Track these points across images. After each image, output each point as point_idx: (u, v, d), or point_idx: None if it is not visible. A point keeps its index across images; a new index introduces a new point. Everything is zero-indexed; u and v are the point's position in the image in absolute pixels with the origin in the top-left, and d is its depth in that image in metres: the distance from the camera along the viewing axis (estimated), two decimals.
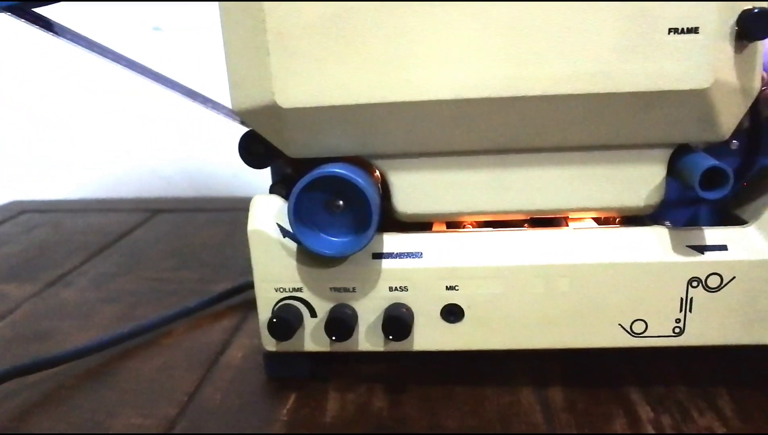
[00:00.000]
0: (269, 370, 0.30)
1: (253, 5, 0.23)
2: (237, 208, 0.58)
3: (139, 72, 0.31)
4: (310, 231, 0.25)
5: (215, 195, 0.68)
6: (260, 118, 0.25)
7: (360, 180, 0.24)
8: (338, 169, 0.24)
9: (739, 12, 0.22)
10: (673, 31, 0.22)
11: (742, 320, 0.26)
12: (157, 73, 0.32)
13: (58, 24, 0.30)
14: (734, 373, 0.29)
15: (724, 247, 0.25)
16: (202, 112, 0.36)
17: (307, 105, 0.24)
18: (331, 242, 0.25)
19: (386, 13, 0.22)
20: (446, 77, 0.23)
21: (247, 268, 0.28)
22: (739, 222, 0.27)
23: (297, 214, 0.25)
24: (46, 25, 0.29)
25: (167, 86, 0.32)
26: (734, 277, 0.25)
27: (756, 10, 0.21)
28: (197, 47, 0.62)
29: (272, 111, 0.24)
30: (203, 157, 0.68)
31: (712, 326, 0.26)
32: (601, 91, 0.23)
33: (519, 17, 0.22)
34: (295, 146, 0.25)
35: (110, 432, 0.27)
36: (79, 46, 0.30)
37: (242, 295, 0.39)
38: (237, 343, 0.34)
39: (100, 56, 0.30)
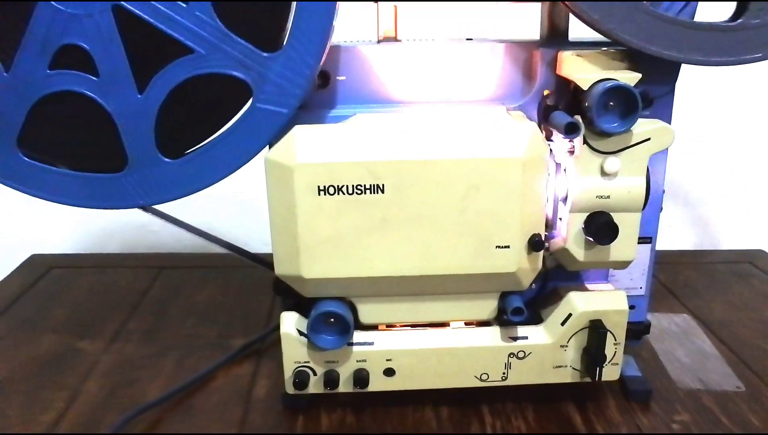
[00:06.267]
0: (285, 402, 0.53)
1: (290, 228, 0.45)
2: (221, 266, 0.80)
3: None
4: (317, 335, 0.48)
5: (195, 246, 0.88)
6: (291, 278, 0.47)
7: (345, 313, 0.47)
8: (334, 308, 0.47)
9: (528, 237, 0.46)
10: (498, 247, 0.46)
11: (535, 372, 0.51)
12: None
13: None
14: (533, 397, 0.54)
15: (526, 337, 0.50)
16: None
17: (318, 277, 0.46)
18: (328, 340, 0.48)
19: (359, 238, 0.45)
20: (389, 265, 0.46)
21: (248, 325, 0.53)
22: (540, 318, 0.52)
23: (311, 328, 0.48)
24: None
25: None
26: (531, 352, 0.50)
27: (537, 239, 0.46)
28: None
29: (299, 278, 0.46)
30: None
31: (521, 375, 0.51)
32: (466, 272, 0.46)
33: (425, 240, 0.45)
34: (308, 292, 0.48)
35: None
36: None
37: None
38: (258, 384, 0.56)
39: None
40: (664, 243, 0.93)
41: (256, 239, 0.83)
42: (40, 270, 0.80)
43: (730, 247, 0.94)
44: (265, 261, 0.57)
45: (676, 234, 0.94)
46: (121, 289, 0.74)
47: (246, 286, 0.74)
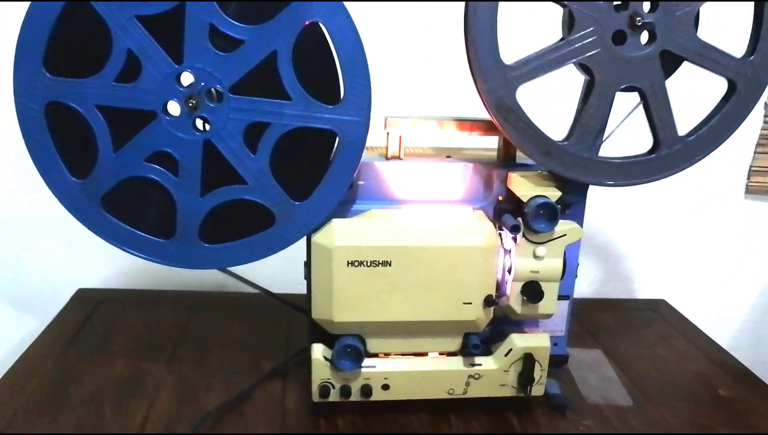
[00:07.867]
0: (313, 409, 0.74)
1: (327, 288, 0.66)
2: (241, 303, 1.00)
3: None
4: (339, 360, 0.69)
5: (216, 285, 1.08)
6: (324, 321, 0.69)
7: (359, 345, 0.69)
8: (353, 342, 0.69)
9: (484, 297, 0.69)
10: (464, 303, 0.68)
11: (486, 388, 0.73)
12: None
13: None
14: (485, 406, 0.76)
15: (480, 364, 0.73)
16: None
17: (344, 321, 0.68)
18: (346, 364, 0.70)
19: (374, 296, 0.67)
20: (392, 314, 0.68)
21: (272, 351, 0.75)
22: (490, 350, 0.74)
23: (335, 356, 0.69)
24: None
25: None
26: (484, 375, 0.73)
27: (490, 298, 0.68)
28: None
29: (330, 321, 0.68)
30: None
31: (477, 390, 0.73)
32: (443, 319, 0.69)
33: (417, 298, 0.68)
34: (334, 330, 0.69)
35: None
36: None
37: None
38: (288, 396, 0.77)
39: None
40: (587, 292, 1.19)
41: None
42: (90, 304, 0.98)
43: (640, 297, 1.20)
44: (293, 303, 0.78)
45: (599, 285, 1.19)
46: (165, 322, 0.93)
47: (264, 321, 0.95)
